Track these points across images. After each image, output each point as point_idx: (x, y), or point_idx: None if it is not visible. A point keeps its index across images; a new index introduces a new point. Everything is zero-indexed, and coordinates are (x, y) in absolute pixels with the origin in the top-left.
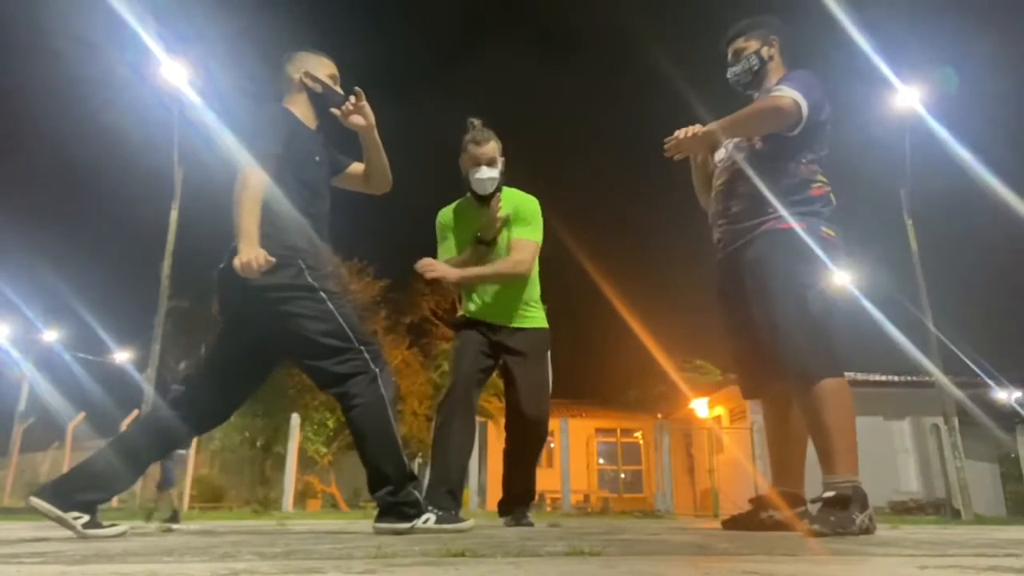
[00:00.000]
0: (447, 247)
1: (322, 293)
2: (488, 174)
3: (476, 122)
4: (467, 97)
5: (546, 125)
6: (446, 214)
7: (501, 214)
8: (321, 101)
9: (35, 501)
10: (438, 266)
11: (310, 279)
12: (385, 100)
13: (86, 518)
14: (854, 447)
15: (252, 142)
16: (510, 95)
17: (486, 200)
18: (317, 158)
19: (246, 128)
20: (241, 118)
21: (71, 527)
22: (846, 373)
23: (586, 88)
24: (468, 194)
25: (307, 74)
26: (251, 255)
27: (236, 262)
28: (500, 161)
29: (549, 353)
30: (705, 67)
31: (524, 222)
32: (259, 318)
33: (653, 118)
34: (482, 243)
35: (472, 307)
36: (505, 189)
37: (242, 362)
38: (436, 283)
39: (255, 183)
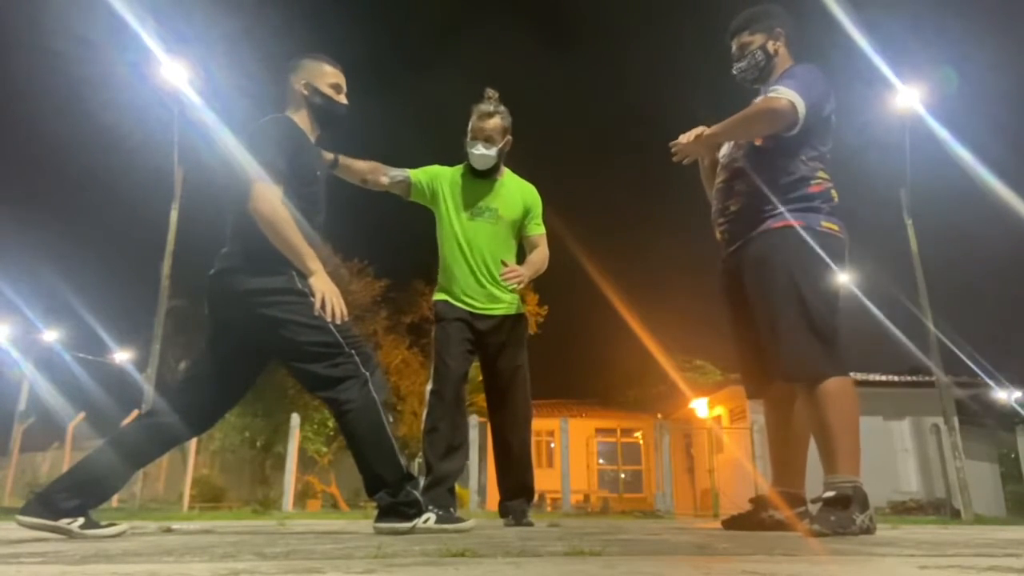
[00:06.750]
0: (418, 174)
1: (312, 298)
2: (482, 151)
3: (492, 93)
4: (469, 89)
5: (547, 118)
6: (442, 170)
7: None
8: (322, 113)
9: (23, 519)
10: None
11: (300, 285)
12: (386, 93)
13: (80, 520)
14: (857, 447)
15: (262, 154)
16: (512, 87)
17: (481, 175)
18: (318, 171)
19: (255, 138)
20: (250, 126)
21: (67, 532)
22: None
23: (588, 80)
24: (468, 164)
25: (308, 85)
26: (331, 292)
27: (318, 300)
28: (503, 140)
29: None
30: (709, 56)
31: (536, 217)
32: (249, 323)
33: (656, 113)
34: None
35: (455, 291)
36: (509, 174)
37: (231, 366)
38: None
39: (278, 200)
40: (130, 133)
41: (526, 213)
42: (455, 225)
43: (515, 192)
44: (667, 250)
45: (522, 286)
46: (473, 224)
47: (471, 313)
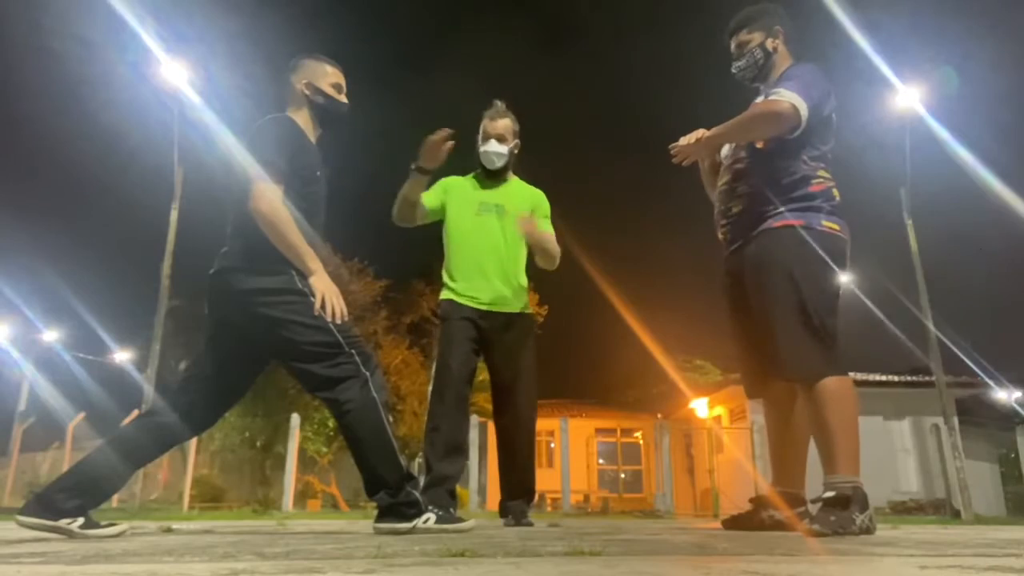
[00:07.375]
0: (429, 196)
1: (312, 298)
2: (495, 148)
3: (499, 102)
4: (470, 93)
5: (545, 116)
6: (451, 179)
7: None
8: (323, 113)
9: (22, 519)
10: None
11: (300, 284)
12: (387, 95)
13: (80, 520)
14: (856, 447)
15: (262, 153)
16: (512, 87)
17: (493, 175)
18: (318, 172)
19: (255, 137)
20: (250, 126)
21: (67, 532)
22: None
23: (588, 79)
24: (479, 168)
25: (308, 85)
26: (331, 292)
27: (319, 299)
28: (513, 142)
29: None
30: (707, 54)
31: (544, 216)
32: (249, 323)
33: (657, 112)
34: (421, 171)
35: (461, 289)
36: (516, 180)
37: (231, 366)
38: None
39: (279, 200)
40: (130, 133)
41: (533, 211)
42: (462, 222)
43: (522, 192)
44: (667, 250)
45: (532, 239)
46: (479, 220)
47: (476, 311)
